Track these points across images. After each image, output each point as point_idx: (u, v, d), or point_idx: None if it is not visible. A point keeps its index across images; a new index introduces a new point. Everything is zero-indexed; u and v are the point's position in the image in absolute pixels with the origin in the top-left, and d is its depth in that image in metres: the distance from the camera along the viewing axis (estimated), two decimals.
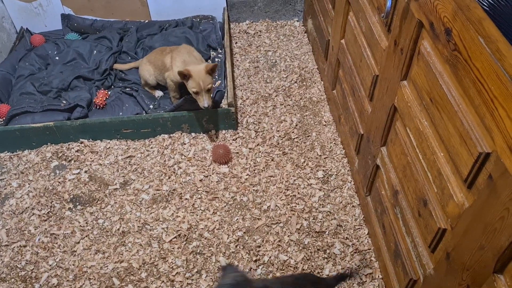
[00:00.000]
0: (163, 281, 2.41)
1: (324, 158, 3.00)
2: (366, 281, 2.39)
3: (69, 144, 3.11)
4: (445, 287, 1.61)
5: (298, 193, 2.80)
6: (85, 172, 2.96)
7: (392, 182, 2.11)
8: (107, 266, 2.49)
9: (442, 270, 1.64)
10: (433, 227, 1.68)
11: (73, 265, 2.50)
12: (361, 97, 2.52)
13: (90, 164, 3.01)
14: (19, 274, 2.47)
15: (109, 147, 3.11)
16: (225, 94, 3.28)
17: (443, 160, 1.61)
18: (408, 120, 1.87)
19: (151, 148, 3.10)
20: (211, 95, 2.96)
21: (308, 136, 3.16)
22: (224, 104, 3.22)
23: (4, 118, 3.11)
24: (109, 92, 3.32)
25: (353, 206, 2.71)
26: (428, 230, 1.74)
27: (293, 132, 3.19)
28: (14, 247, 2.58)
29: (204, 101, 2.82)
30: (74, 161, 3.03)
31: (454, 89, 1.50)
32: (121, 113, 3.17)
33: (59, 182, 2.91)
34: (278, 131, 3.20)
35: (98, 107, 3.21)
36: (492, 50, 1.23)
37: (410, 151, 1.88)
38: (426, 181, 1.74)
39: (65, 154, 3.06)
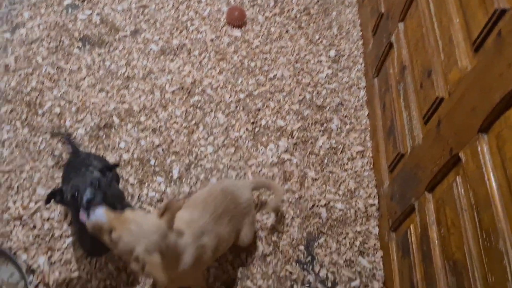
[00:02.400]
0: (161, 126, 2.48)
1: (340, 38, 2.92)
2: (356, 157, 2.44)
3: None
4: (430, 154, 1.64)
5: (307, 67, 2.76)
6: (97, 14, 2.92)
7: (402, 58, 2.05)
8: (109, 105, 2.55)
9: (430, 138, 1.65)
10: (432, 97, 1.67)
11: (76, 98, 2.56)
12: None
13: (103, 8, 2.96)
14: (24, 99, 2.54)
15: None
16: None
17: (457, 27, 1.54)
18: None
19: (166, 1, 3.02)
20: None
21: (328, 14, 3.05)
22: None
23: None
24: None
25: (358, 88, 2.69)
26: (426, 101, 1.72)
27: (313, 8, 3.06)
28: (21, 73, 2.63)
29: None
30: (87, 2, 2.98)
31: None
32: None
33: (71, 20, 2.88)
34: (298, 4, 3.08)
35: None
36: None
37: (427, 22, 1.80)
38: (435, 51, 1.69)
39: None
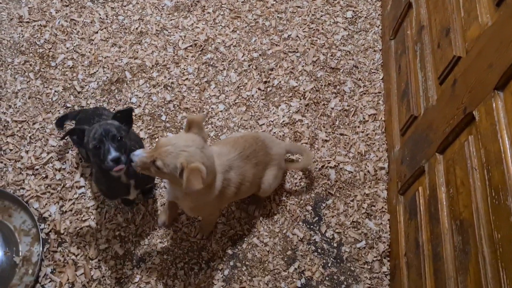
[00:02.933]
0: (173, 82, 2.47)
1: None
2: (368, 120, 2.41)
3: None
4: (443, 114, 1.61)
5: (322, 28, 2.70)
6: None
7: (421, 17, 1.99)
8: (122, 59, 2.54)
9: (445, 98, 1.62)
10: (449, 56, 1.62)
11: (89, 52, 2.56)
12: None
13: None
14: (37, 51, 2.54)
15: None
16: None
17: None
18: None
19: None
20: None
21: None
22: None
23: None
24: None
25: (374, 51, 2.63)
26: (443, 60, 1.68)
27: None
28: (35, 25, 2.62)
29: None
30: None
31: None
32: None
33: None
34: None
35: None
36: None
37: None
38: (455, 7, 1.64)
39: None
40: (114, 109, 2.38)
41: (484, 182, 1.28)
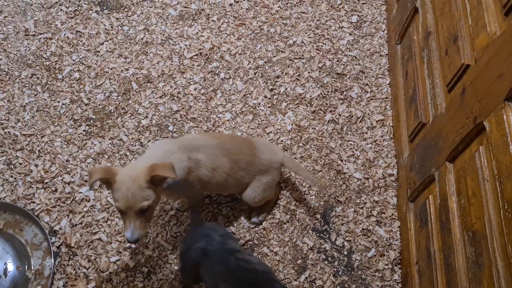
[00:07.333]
0: (179, 92, 2.47)
1: (362, 3, 2.82)
2: (376, 126, 2.40)
3: None
4: (452, 123, 1.59)
5: (328, 34, 2.69)
6: None
7: (427, 23, 1.98)
8: (128, 70, 2.54)
9: (454, 107, 1.61)
10: (457, 64, 1.61)
11: (95, 64, 2.56)
12: None
13: None
14: (44, 64, 2.55)
15: None
16: None
17: None
18: None
19: None
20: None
21: None
22: None
23: None
24: None
25: (380, 55, 2.61)
26: (451, 68, 1.66)
27: None
28: (41, 38, 2.63)
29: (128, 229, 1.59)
30: None
31: None
32: None
33: None
34: None
35: None
36: None
37: None
38: (462, 15, 1.62)
39: None
40: (122, 120, 2.38)
41: (496, 194, 1.27)
